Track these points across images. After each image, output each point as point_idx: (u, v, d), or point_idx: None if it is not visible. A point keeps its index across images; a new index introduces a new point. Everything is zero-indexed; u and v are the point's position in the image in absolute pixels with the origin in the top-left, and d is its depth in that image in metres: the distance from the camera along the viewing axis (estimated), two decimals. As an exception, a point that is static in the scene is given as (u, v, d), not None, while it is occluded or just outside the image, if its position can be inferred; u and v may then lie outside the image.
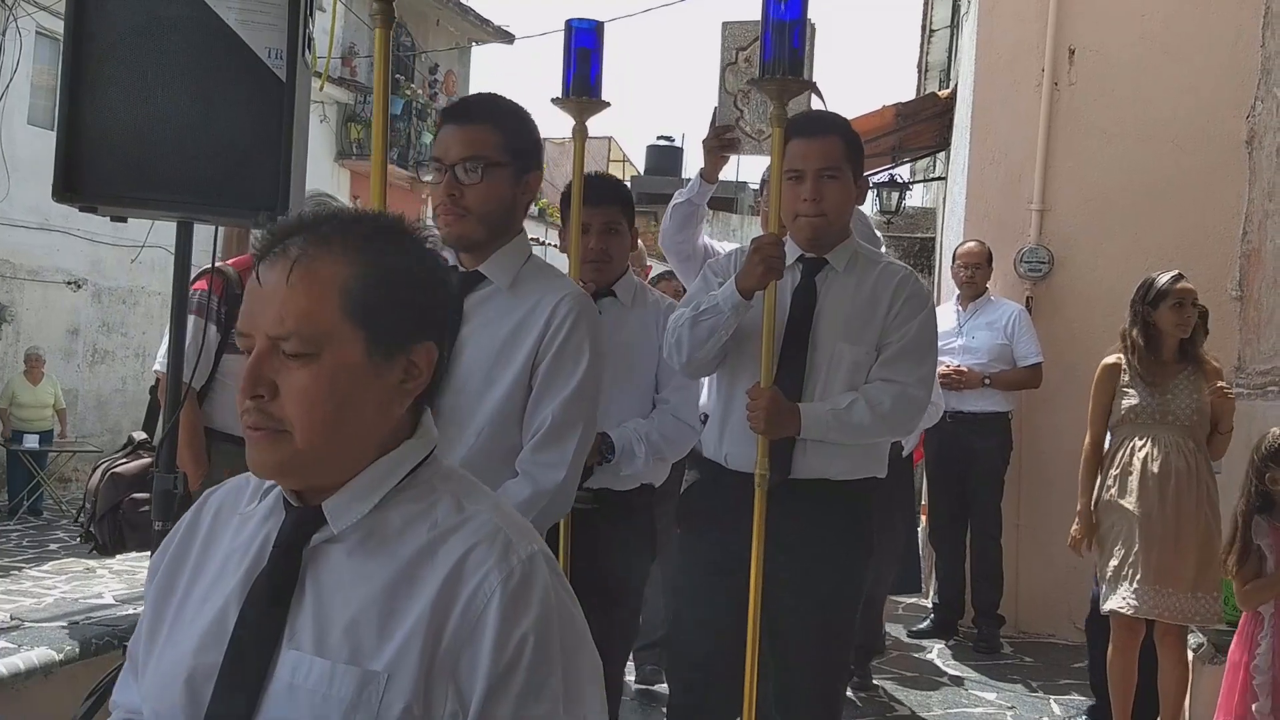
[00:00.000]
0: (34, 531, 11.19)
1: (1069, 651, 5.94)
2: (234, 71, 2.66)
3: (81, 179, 2.67)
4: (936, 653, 5.85)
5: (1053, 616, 6.20)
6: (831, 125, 2.83)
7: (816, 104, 3.43)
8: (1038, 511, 6.15)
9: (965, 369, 5.87)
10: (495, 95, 2.49)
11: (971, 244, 6.13)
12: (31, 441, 12.05)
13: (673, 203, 3.72)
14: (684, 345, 2.78)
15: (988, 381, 5.87)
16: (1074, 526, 4.36)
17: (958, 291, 6.15)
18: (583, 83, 2.93)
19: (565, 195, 3.17)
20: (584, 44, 2.95)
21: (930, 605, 6.27)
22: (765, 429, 2.68)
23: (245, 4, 2.65)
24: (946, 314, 6.06)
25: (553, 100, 2.97)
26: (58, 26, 13.70)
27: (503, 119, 2.37)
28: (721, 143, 3.41)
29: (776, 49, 2.58)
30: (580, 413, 2.29)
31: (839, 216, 2.80)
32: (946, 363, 5.73)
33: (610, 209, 3.16)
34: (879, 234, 3.87)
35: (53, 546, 10.47)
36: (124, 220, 2.96)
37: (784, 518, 2.75)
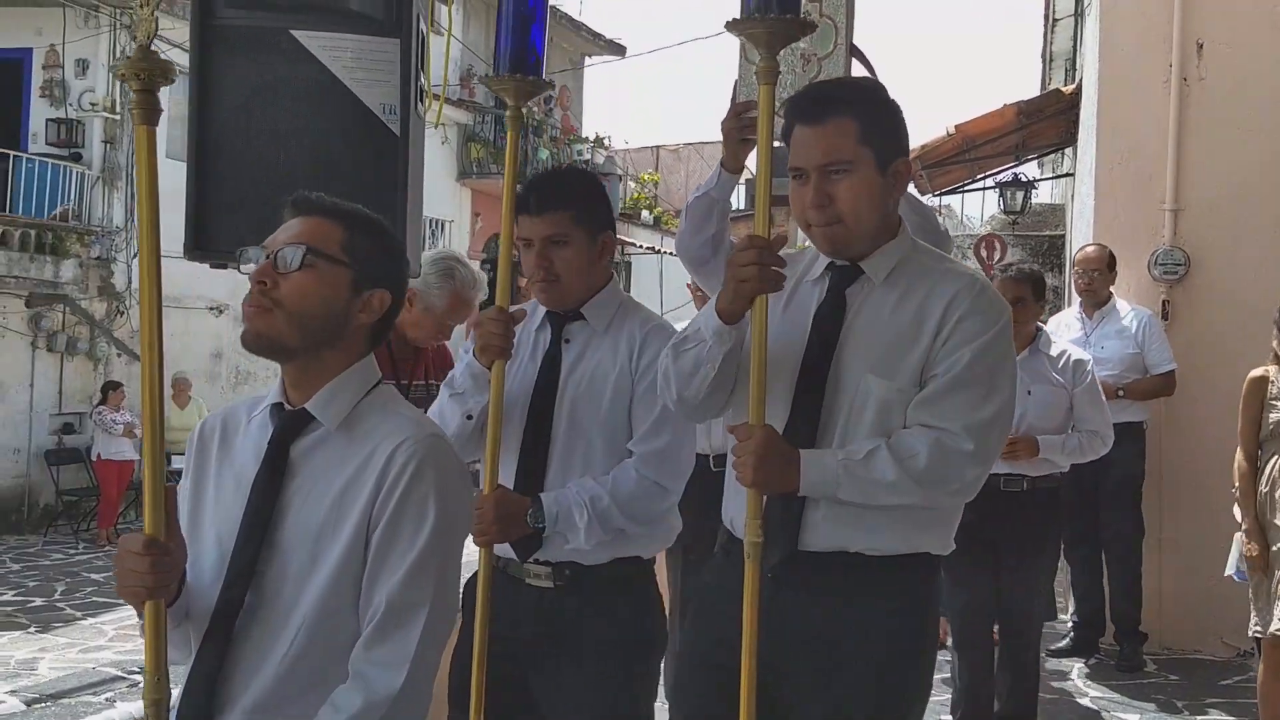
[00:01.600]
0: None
1: (1216, 669, 5.71)
2: (350, 127, 2.74)
3: (210, 238, 2.78)
4: (1076, 672, 5.68)
5: (1199, 632, 5.96)
6: (838, 103, 2.14)
7: (858, 70, 2.92)
8: (1180, 523, 5.93)
9: (1100, 380, 5.61)
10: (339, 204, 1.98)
11: (1090, 248, 5.88)
12: (179, 463, 12.57)
13: (689, 199, 3.02)
14: (670, 381, 2.23)
15: (1121, 393, 5.56)
16: (1246, 545, 4.19)
17: (1079, 299, 5.92)
18: (520, 57, 2.46)
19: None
20: (523, 9, 2.47)
21: (1070, 623, 6.09)
22: (753, 479, 2.03)
23: (359, 61, 2.73)
24: (1070, 323, 5.87)
25: (482, 79, 2.65)
26: (187, 60, 14.21)
27: (345, 217, 1.92)
28: (743, 124, 2.74)
29: None
30: (424, 594, 1.75)
31: (860, 219, 2.12)
32: None
33: (555, 216, 2.54)
34: (945, 227, 3.17)
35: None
36: (224, 267, 3.07)
37: (795, 606, 2.14)
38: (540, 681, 2.55)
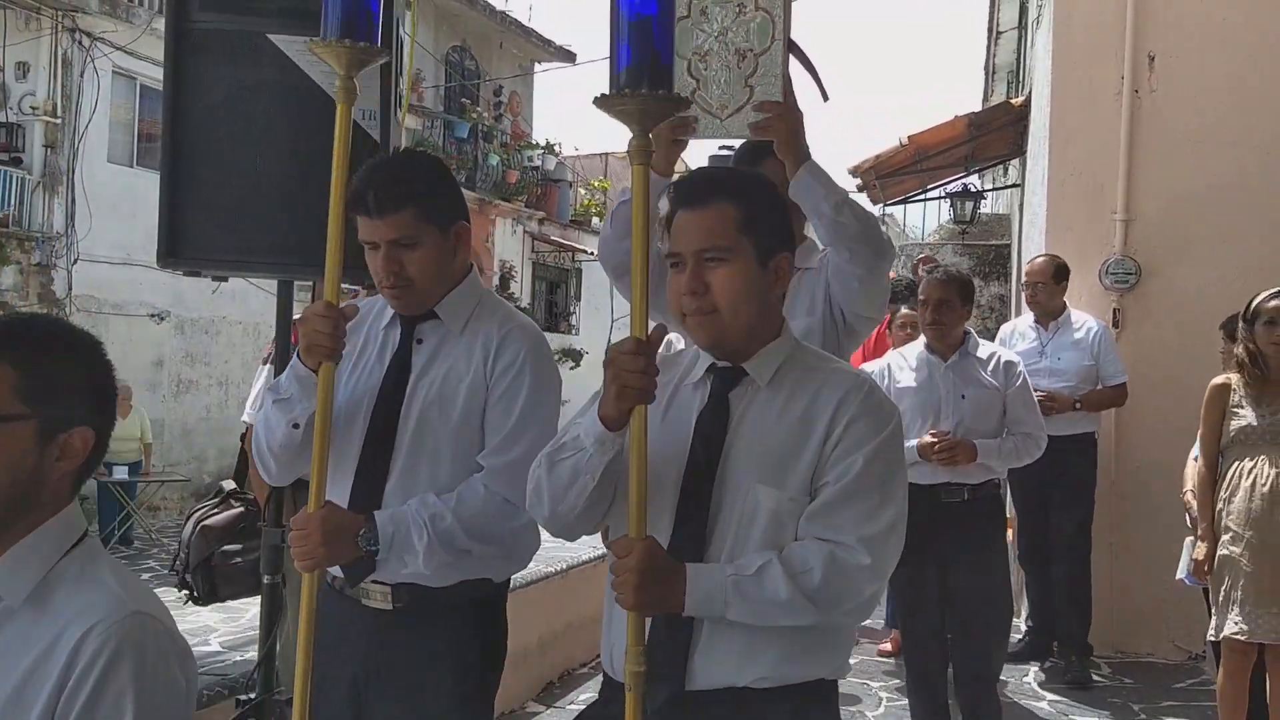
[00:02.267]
0: (126, 561, 11.42)
1: (1169, 672, 5.81)
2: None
3: (184, 244, 2.74)
4: (1031, 676, 5.74)
5: (1151, 635, 6.07)
6: (721, 189, 2.02)
7: (795, 68, 2.73)
8: (1132, 528, 6.04)
9: (1053, 393, 5.55)
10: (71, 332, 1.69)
11: (1039, 259, 5.89)
12: (121, 473, 12.32)
13: (616, 203, 2.83)
14: (543, 494, 2.00)
15: (1079, 405, 5.61)
16: (1197, 550, 4.26)
17: (1030, 311, 5.89)
18: (352, 21, 2.16)
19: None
20: None
21: (1023, 627, 6.15)
22: (635, 600, 1.83)
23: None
24: (1025, 333, 5.86)
25: (311, 44, 2.24)
26: (134, 66, 14.04)
27: (16, 347, 1.57)
28: (673, 124, 2.53)
29: (634, 51, 1.86)
30: None
31: (737, 311, 1.96)
32: (1033, 387, 5.44)
33: (398, 217, 2.30)
34: (889, 236, 2.96)
35: (145, 576, 10.69)
36: (225, 279, 3.03)
37: None
38: (378, 710, 2.37)
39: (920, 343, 4.43)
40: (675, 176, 2.57)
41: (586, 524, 2.05)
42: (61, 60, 12.65)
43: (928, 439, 4.19)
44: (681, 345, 3.67)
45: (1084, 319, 5.81)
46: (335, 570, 2.33)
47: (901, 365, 4.43)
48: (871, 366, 4.59)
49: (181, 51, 2.68)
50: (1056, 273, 5.76)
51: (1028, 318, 5.93)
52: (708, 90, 2.51)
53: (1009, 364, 4.37)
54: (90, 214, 12.82)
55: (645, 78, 1.85)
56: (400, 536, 2.25)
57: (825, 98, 2.80)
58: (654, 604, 1.86)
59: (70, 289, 12.78)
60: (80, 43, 12.74)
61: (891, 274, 7.27)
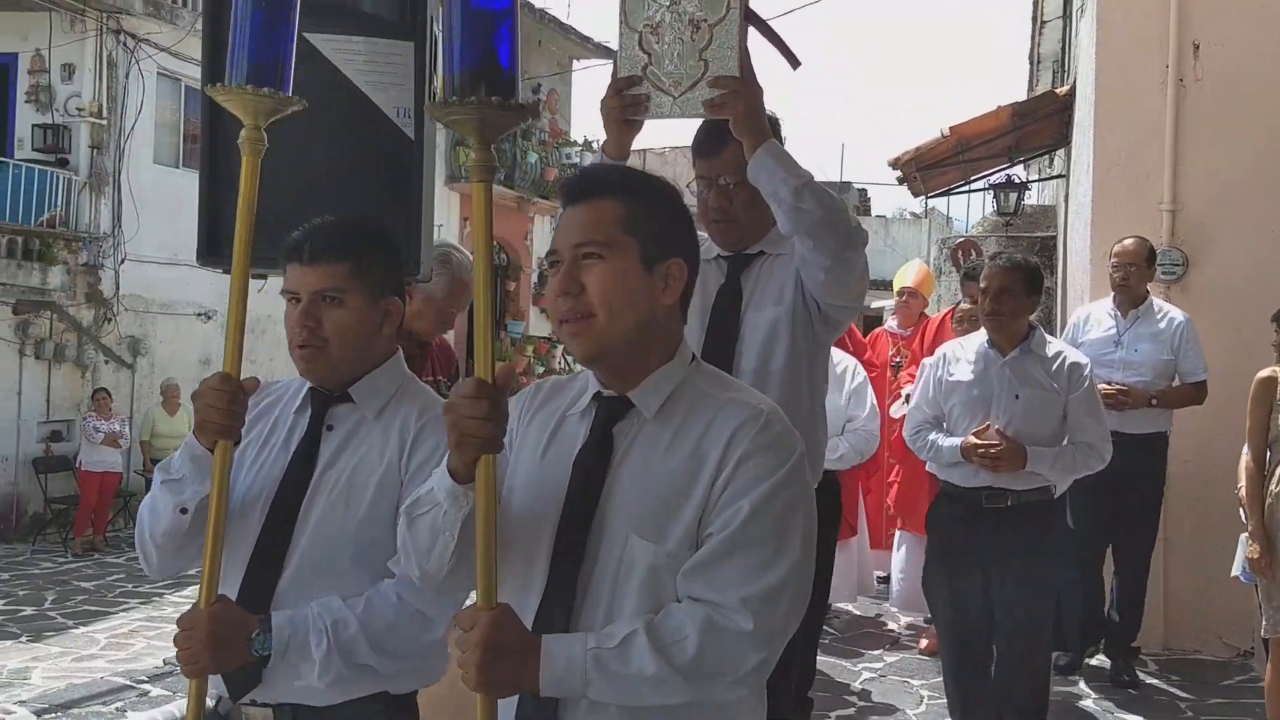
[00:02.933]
0: (174, 557, 11.59)
1: (1217, 669, 5.73)
2: (365, 132, 2.72)
3: (223, 244, 2.74)
4: (1077, 674, 5.68)
5: (1199, 632, 5.98)
6: (607, 185, 1.78)
7: (755, 39, 2.50)
8: (1180, 524, 5.94)
9: (1128, 387, 5.23)
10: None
11: (1129, 240, 5.44)
12: (169, 469, 12.52)
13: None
14: (409, 553, 1.79)
15: (1154, 401, 5.26)
16: (1250, 547, 4.18)
17: (1113, 294, 5.47)
18: (261, 65, 1.96)
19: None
20: (270, 6, 1.97)
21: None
22: (478, 680, 1.60)
23: (373, 65, 2.70)
24: (1101, 318, 5.46)
25: (211, 90, 2.05)
26: (179, 67, 14.22)
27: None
28: (624, 102, 2.38)
29: (470, 54, 1.64)
30: None
31: (614, 316, 1.70)
32: (1106, 379, 5.15)
33: (331, 267, 2.11)
34: (857, 220, 2.65)
35: (192, 572, 10.77)
36: (264, 278, 3.04)
37: None
38: None
39: (982, 334, 4.11)
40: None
41: (465, 582, 1.76)
42: (107, 62, 12.81)
43: (972, 438, 3.93)
44: None
45: (1166, 309, 5.44)
46: (219, 687, 2.06)
47: (958, 357, 4.14)
48: (928, 360, 4.43)
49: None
50: (1149, 255, 5.42)
51: (1105, 304, 5.53)
52: (660, 66, 2.34)
53: (1075, 365, 3.99)
54: (137, 214, 12.98)
55: (483, 82, 1.63)
56: (297, 642, 1.97)
57: (795, 65, 2.58)
58: (504, 685, 1.62)
59: (118, 289, 12.95)
60: (125, 44, 12.90)
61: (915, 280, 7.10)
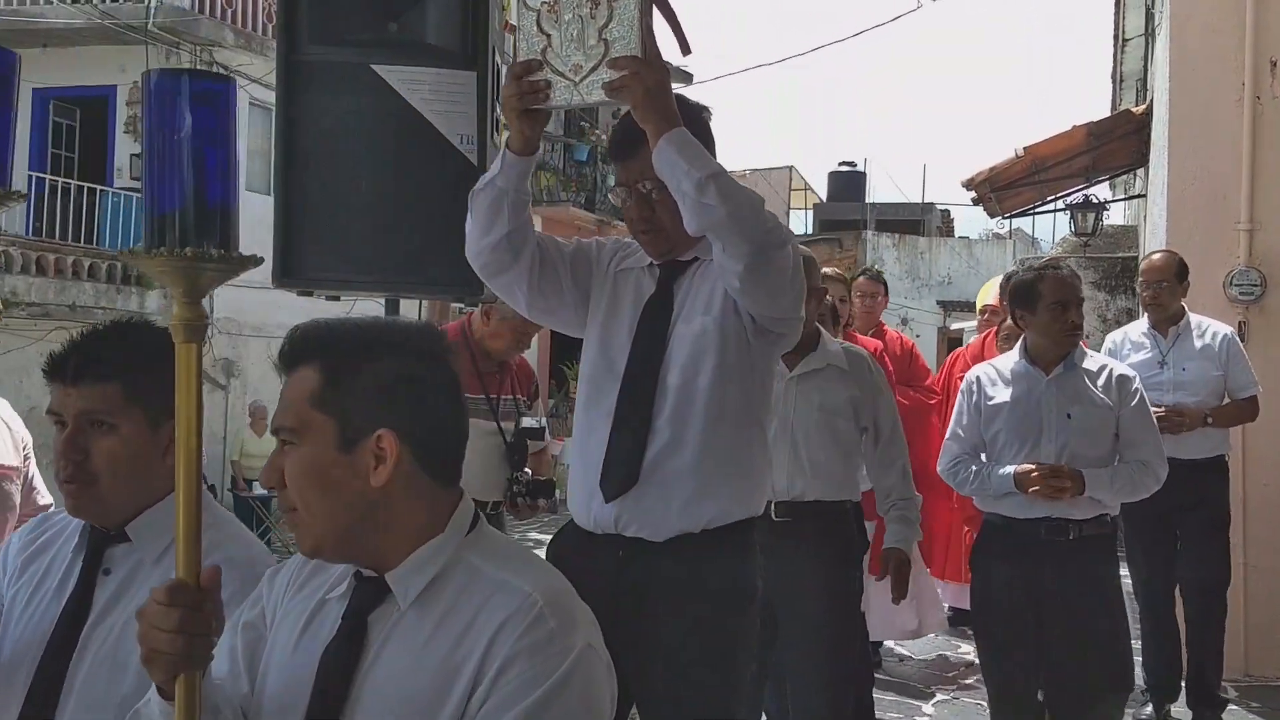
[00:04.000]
0: (261, 573, 11.90)
1: (1301, 696, 5.59)
2: (430, 157, 2.84)
3: (297, 265, 2.89)
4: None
5: (1281, 658, 5.85)
6: (305, 348, 1.53)
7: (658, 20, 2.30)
8: (1262, 548, 5.83)
9: (1182, 407, 4.91)
10: None
11: (1156, 255, 5.24)
12: (260, 489, 12.86)
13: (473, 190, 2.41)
14: None
15: (1210, 421, 4.95)
16: None
17: (1146, 315, 5.22)
18: None
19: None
20: None
21: (1140, 687, 5.21)
22: None
23: (437, 94, 2.83)
24: (1139, 341, 5.19)
25: None
26: (270, 97, 14.61)
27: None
28: (523, 90, 2.18)
29: (172, 195, 1.40)
30: None
31: (316, 513, 1.47)
32: (1156, 402, 4.58)
33: (98, 389, 1.79)
34: (774, 220, 2.32)
35: None
36: (337, 298, 3.18)
37: None
38: None
39: (1015, 353, 3.83)
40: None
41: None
42: (202, 93, 13.27)
43: (1028, 467, 3.60)
44: None
45: (1207, 324, 5.18)
46: None
47: (994, 379, 3.83)
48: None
49: (291, 83, 2.84)
50: (1179, 270, 5.13)
51: (1140, 324, 5.30)
52: (559, 48, 2.13)
53: (1123, 378, 3.75)
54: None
55: (191, 227, 1.41)
56: None
57: (686, 50, 2.44)
58: None
59: (212, 312, 13.36)
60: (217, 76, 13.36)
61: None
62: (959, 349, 7.06)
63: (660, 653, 2.31)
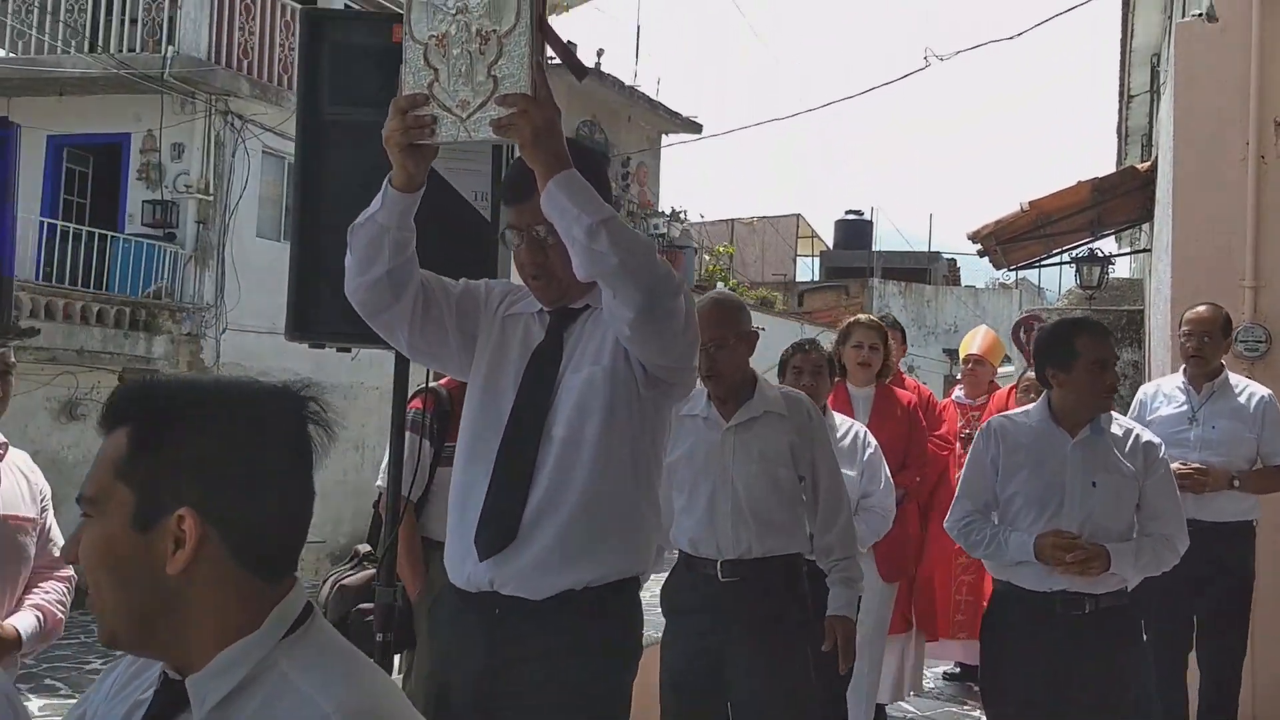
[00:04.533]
0: (263, 620, 11.83)
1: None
2: (444, 212, 2.88)
3: (310, 320, 2.93)
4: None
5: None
6: (118, 408, 1.34)
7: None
8: (1272, 610, 5.79)
9: (1208, 466, 4.62)
10: None
11: (1202, 308, 4.92)
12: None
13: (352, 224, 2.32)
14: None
15: (1237, 484, 4.64)
16: None
17: (1184, 366, 4.96)
18: None
19: None
20: None
21: None
22: None
23: (452, 152, 2.86)
24: (1172, 394, 4.93)
25: None
26: (282, 145, 14.77)
27: None
28: (406, 125, 2.11)
29: None
30: None
31: (107, 600, 1.30)
32: (1181, 459, 4.54)
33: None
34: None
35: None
36: (349, 351, 3.22)
37: None
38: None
39: (1038, 409, 3.59)
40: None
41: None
42: (215, 141, 13.41)
43: (1050, 536, 3.34)
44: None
45: (1245, 383, 4.91)
46: None
47: (1014, 435, 3.60)
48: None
49: (310, 140, 2.90)
50: (1225, 325, 4.90)
51: (1175, 378, 5.03)
52: (446, 83, 2.06)
53: (1149, 445, 3.52)
54: (239, 285, 13.49)
55: None
56: None
57: (581, 76, 2.42)
58: None
59: (219, 357, 13.42)
60: (232, 125, 13.51)
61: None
62: (947, 398, 6.99)
63: (540, 716, 2.25)
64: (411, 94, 2.10)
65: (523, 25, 2.00)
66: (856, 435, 4.47)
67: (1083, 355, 3.42)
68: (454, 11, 2.04)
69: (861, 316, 5.37)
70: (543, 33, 2.07)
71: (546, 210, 2.08)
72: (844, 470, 4.10)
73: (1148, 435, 3.62)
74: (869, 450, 4.44)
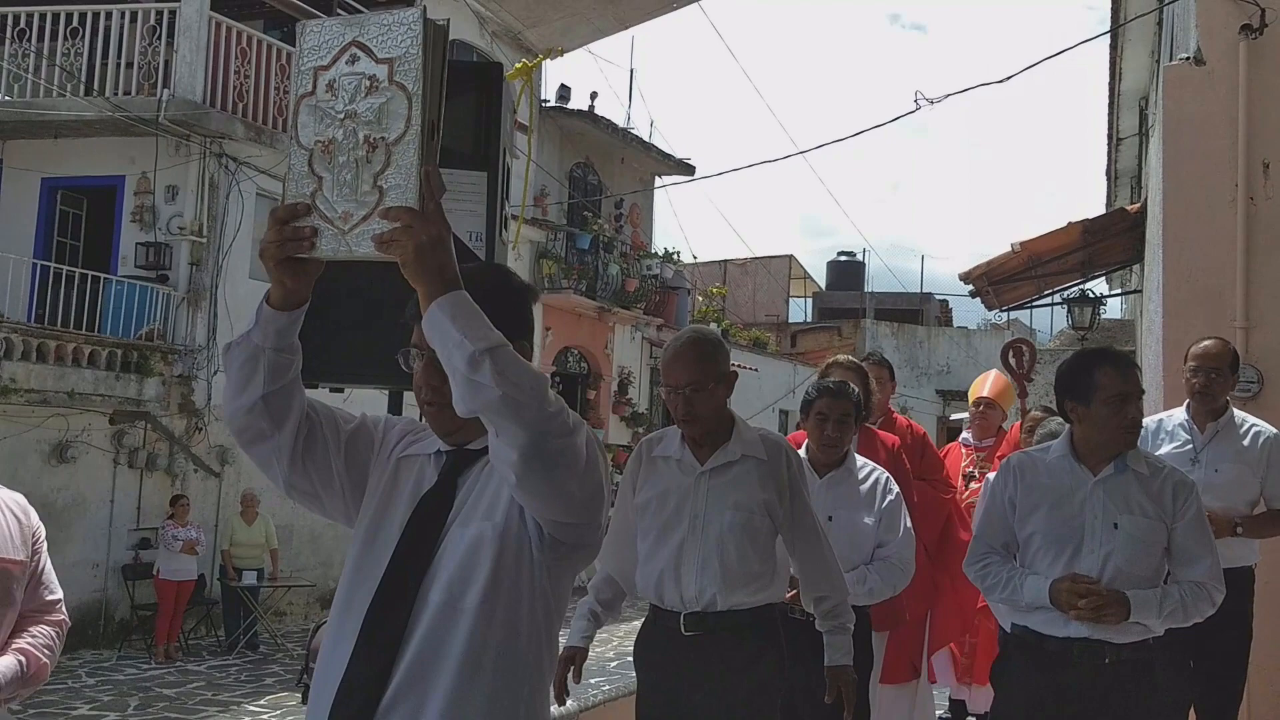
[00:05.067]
0: (251, 666, 11.74)
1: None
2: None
3: (304, 361, 2.91)
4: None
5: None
6: None
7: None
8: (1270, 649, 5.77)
9: (1211, 512, 4.13)
10: None
11: (1209, 342, 4.65)
12: (249, 578, 12.72)
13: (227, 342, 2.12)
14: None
15: (1240, 530, 4.37)
16: None
17: (1188, 402, 4.68)
18: None
19: None
20: None
21: None
22: None
23: (448, 194, 2.87)
24: (1174, 432, 4.66)
25: None
26: (276, 187, 14.86)
27: None
28: (284, 237, 1.91)
29: None
30: None
31: None
32: None
33: None
34: None
35: (269, 680, 10.96)
36: (341, 391, 3.20)
37: None
38: None
39: (1060, 445, 3.39)
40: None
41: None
42: (209, 183, 13.44)
43: (1066, 580, 3.16)
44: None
45: (1251, 422, 4.62)
46: None
47: (1033, 472, 3.39)
48: (992, 476, 3.98)
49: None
50: (1233, 361, 4.65)
51: (1178, 414, 4.73)
52: (330, 193, 1.89)
53: (1180, 485, 3.28)
54: (231, 327, 13.46)
55: None
56: None
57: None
58: None
59: (210, 399, 13.38)
60: (226, 167, 13.55)
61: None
62: (954, 441, 6.95)
63: None
64: (292, 204, 1.91)
65: (412, 133, 1.84)
66: (877, 481, 4.17)
67: (1102, 389, 3.21)
68: (342, 116, 1.87)
69: (840, 357, 4.98)
70: (436, 140, 1.90)
71: (427, 334, 1.83)
72: (862, 518, 4.01)
73: (1179, 475, 3.36)
74: (889, 497, 4.13)
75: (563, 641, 2.37)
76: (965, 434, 6.90)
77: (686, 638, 3.25)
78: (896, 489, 4.18)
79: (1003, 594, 3.32)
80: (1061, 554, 3.21)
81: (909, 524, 4.17)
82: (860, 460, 4.21)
